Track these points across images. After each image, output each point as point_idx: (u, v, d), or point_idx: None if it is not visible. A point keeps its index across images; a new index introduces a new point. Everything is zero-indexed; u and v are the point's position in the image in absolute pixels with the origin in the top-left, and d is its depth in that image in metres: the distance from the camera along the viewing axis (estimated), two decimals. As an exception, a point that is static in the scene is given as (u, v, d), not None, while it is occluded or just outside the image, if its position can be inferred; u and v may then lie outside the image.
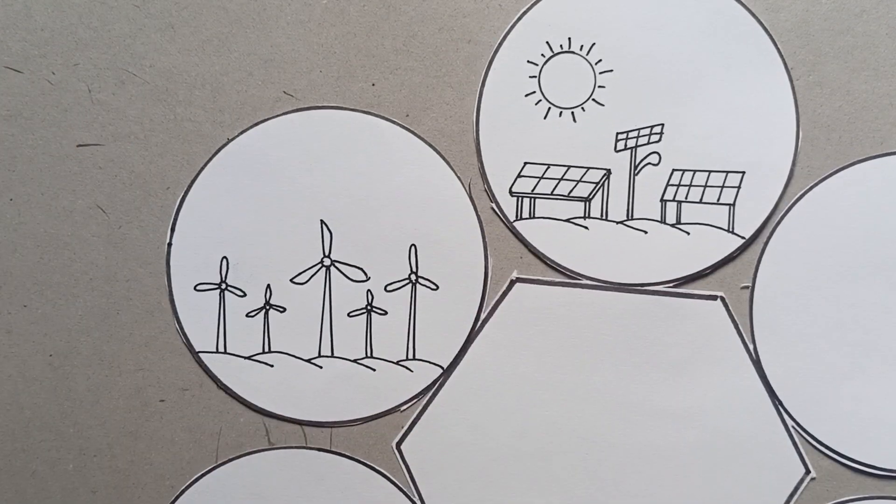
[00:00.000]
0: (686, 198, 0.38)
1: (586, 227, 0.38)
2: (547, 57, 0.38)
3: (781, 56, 0.38)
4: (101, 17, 0.38)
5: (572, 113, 0.38)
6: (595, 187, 0.38)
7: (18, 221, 0.38)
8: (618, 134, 0.38)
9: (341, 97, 0.38)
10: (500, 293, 0.39)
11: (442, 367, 0.39)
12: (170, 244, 0.38)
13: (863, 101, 0.36)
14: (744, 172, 0.38)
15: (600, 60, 0.38)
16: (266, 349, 0.38)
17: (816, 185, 0.38)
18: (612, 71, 0.38)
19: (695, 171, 0.38)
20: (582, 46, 0.38)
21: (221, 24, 0.38)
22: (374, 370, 0.39)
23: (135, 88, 0.38)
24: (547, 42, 0.38)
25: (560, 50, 0.38)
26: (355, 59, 0.38)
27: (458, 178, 0.39)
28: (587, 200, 0.38)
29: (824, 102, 0.37)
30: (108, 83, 0.38)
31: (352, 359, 0.38)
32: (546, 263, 0.38)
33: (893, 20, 0.36)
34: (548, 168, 0.38)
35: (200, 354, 0.38)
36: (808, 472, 0.38)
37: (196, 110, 0.38)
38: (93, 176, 0.38)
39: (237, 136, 0.38)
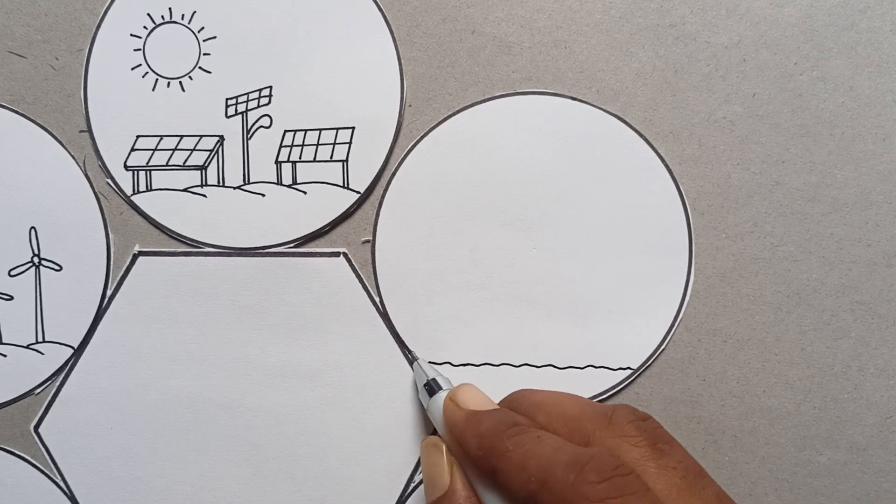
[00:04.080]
0: (300, 157, 0.38)
1: (204, 195, 0.38)
2: (150, 29, 0.38)
3: (381, 11, 0.38)
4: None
5: (180, 83, 0.38)
6: (209, 155, 0.38)
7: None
8: (227, 100, 0.38)
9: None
10: (124, 268, 0.38)
11: (73, 348, 0.38)
12: None
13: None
14: (353, 128, 0.38)
15: (203, 28, 0.38)
16: None
17: (425, 135, 0.38)
18: (215, 38, 0.38)
19: (306, 131, 0.38)
20: (183, 15, 0.38)
21: None
22: (5, 356, 0.38)
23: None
24: (148, 14, 0.38)
25: (162, 21, 0.38)
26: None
27: (72, 156, 0.38)
28: (203, 168, 0.38)
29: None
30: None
31: (-21, 346, 0.38)
32: (168, 234, 0.38)
33: (897, 16, 0.37)
34: (161, 139, 0.38)
35: None
36: (442, 418, 0.38)
37: None
38: None
39: None
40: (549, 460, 0.28)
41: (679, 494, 0.28)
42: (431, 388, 0.35)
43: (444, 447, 0.33)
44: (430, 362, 0.38)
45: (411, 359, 0.38)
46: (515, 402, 0.34)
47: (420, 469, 0.38)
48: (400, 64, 0.38)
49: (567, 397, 0.33)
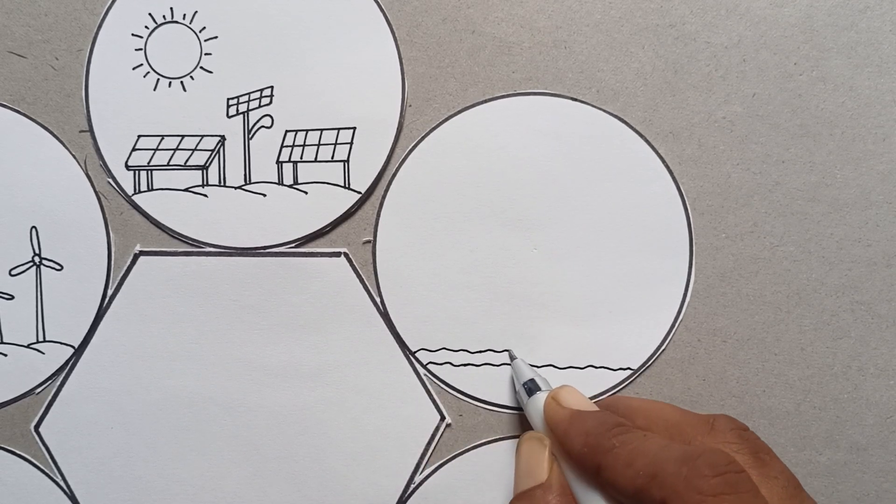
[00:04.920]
0: (301, 158, 0.38)
1: (205, 195, 0.39)
2: (151, 29, 0.38)
3: (383, 12, 0.38)
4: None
5: (181, 82, 0.38)
6: (211, 154, 0.38)
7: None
8: (229, 100, 0.38)
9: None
10: (124, 268, 0.38)
11: (73, 347, 0.39)
12: None
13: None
14: (355, 128, 0.38)
15: (204, 28, 0.38)
16: None
17: (426, 136, 0.38)
18: (216, 38, 0.38)
19: (307, 131, 0.38)
20: (185, 15, 0.38)
21: None
22: (5, 355, 0.39)
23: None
24: (150, 14, 0.38)
25: (163, 21, 0.38)
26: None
27: (73, 156, 0.39)
28: (204, 168, 0.38)
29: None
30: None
31: (-19, 346, 0.38)
32: (168, 234, 0.39)
33: (896, 16, 0.37)
34: (162, 139, 0.38)
35: None
36: (443, 418, 0.38)
37: None
38: None
39: None
40: (658, 456, 0.28)
41: None
42: (530, 388, 0.35)
43: (547, 442, 0.34)
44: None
45: (510, 357, 0.38)
46: (612, 407, 0.34)
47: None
48: (401, 64, 0.38)
49: (665, 405, 0.34)
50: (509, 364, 0.38)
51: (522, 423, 0.38)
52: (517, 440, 0.37)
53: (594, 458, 0.30)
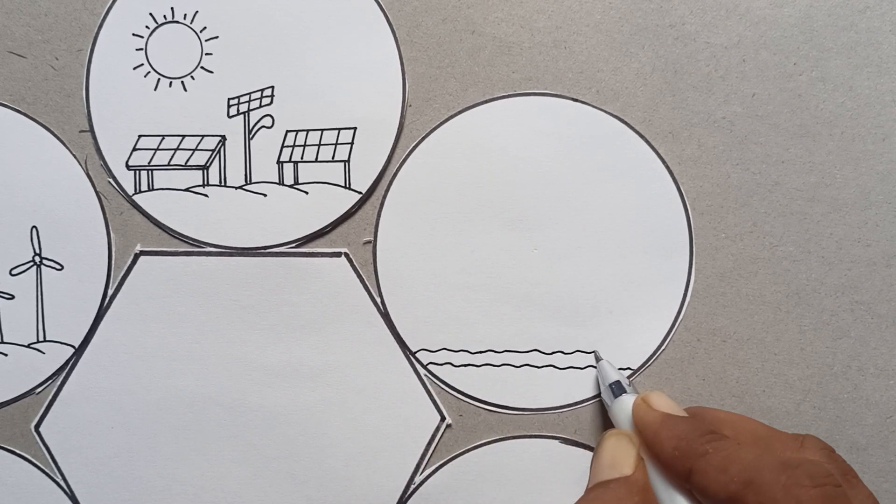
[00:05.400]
0: (302, 158, 0.38)
1: (206, 195, 0.39)
2: (152, 28, 0.38)
3: (384, 12, 0.38)
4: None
5: (182, 82, 0.39)
6: (211, 154, 0.38)
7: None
8: (229, 100, 0.38)
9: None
10: (125, 268, 0.39)
11: (74, 347, 0.39)
12: None
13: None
14: (355, 128, 0.38)
15: (205, 28, 0.38)
16: None
17: (427, 136, 0.38)
18: (217, 38, 0.38)
19: (308, 131, 0.38)
20: (185, 15, 0.38)
21: None
22: (6, 355, 0.39)
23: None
24: (150, 14, 0.38)
25: (164, 20, 0.38)
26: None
27: (74, 156, 0.39)
28: (205, 168, 0.38)
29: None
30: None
31: (-19, 345, 0.38)
32: (169, 234, 0.39)
33: None
34: (163, 139, 0.39)
35: None
36: (443, 419, 0.38)
37: None
38: None
39: None
40: (754, 464, 0.28)
41: None
42: (615, 390, 0.36)
43: (636, 441, 0.34)
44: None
45: (596, 359, 0.38)
46: (699, 417, 0.34)
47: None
48: (402, 64, 0.38)
49: (752, 420, 0.34)
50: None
51: (526, 425, 0.38)
52: (600, 435, 0.36)
53: (685, 461, 0.30)
